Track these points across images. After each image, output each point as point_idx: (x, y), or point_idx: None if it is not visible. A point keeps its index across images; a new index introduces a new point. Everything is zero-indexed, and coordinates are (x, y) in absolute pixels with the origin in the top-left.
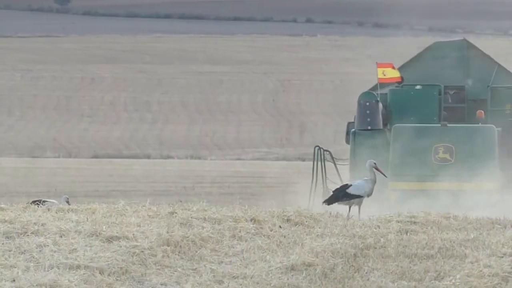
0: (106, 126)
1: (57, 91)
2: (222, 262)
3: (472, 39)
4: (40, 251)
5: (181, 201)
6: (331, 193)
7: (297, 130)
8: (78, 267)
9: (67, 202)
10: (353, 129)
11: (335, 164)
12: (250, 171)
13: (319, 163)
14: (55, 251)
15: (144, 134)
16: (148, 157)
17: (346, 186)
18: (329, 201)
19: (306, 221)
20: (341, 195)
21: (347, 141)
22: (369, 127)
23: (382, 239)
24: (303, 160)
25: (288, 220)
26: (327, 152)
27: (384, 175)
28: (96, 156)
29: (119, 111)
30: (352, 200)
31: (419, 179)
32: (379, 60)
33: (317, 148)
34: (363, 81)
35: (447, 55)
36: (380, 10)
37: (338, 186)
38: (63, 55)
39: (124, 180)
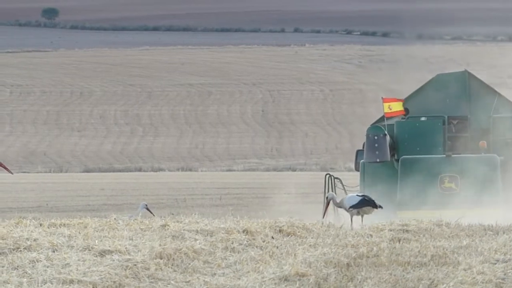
0: (97, 140)
1: (47, 106)
2: (215, 274)
3: (460, 45)
4: (33, 266)
5: (173, 214)
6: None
7: (287, 140)
8: (72, 282)
9: (147, 209)
10: (362, 160)
11: (345, 191)
12: (241, 182)
13: (330, 190)
14: (48, 266)
15: (135, 147)
16: (139, 170)
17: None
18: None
19: (299, 232)
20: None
21: (357, 168)
22: (377, 160)
23: (375, 248)
24: (294, 170)
25: (280, 231)
26: (338, 180)
27: None
28: (87, 170)
29: (109, 124)
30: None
31: (426, 208)
32: (367, 70)
33: (327, 176)
34: (353, 90)
35: (449, 86)
36: (368, 18)
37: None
38: (52, 69)
39: (115, 193)
